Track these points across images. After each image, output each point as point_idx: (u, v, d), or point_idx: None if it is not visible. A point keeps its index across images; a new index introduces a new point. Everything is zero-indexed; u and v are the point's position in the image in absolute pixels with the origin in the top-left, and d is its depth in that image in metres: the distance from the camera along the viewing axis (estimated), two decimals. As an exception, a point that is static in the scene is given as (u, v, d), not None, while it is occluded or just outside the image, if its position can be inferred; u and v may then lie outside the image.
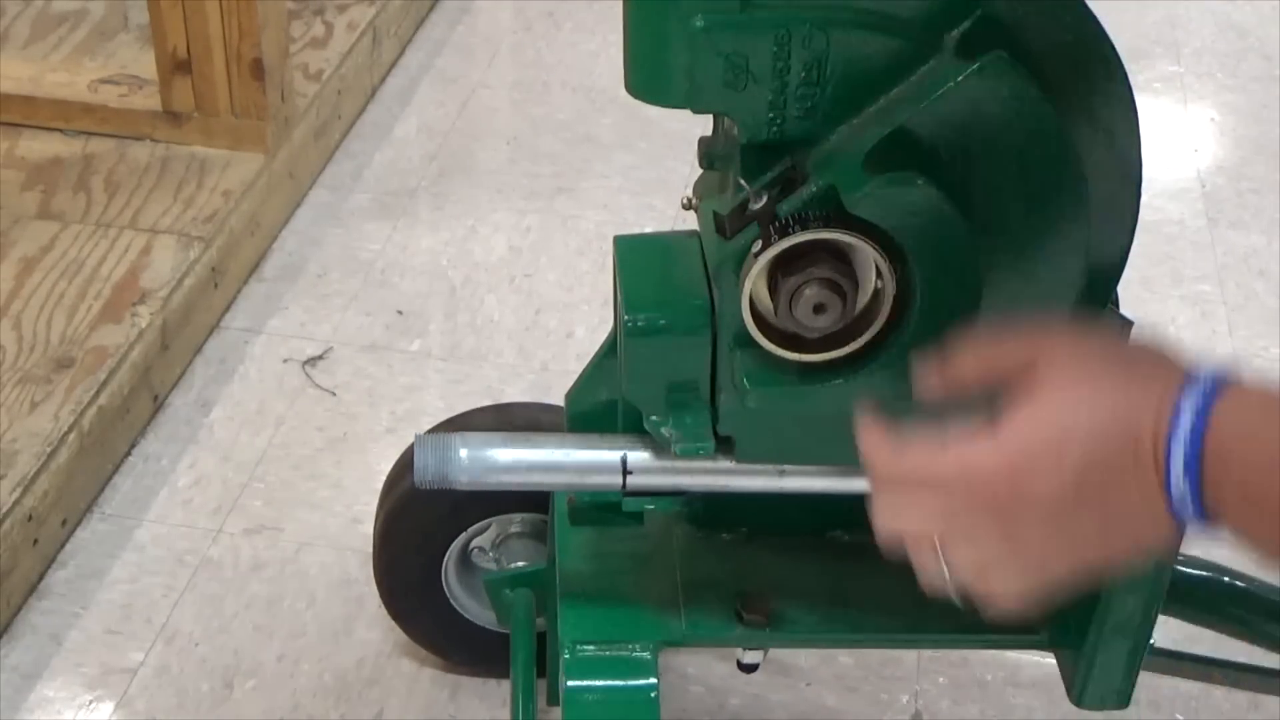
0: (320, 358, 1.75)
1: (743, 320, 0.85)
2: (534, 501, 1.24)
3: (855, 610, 1.05)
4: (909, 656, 1.43)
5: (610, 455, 0.93)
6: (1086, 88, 0.84)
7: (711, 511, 1.05)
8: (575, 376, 1.04)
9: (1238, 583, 1.20)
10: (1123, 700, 1.02)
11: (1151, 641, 1.00)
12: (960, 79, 0.80)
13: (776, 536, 1.07)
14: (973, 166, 0.82)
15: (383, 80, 2.25)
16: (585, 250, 1.94)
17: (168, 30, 1.82)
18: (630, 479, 0.93)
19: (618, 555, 1.06)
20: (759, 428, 0.91)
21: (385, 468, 1.34)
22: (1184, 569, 1.15)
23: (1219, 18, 2.50)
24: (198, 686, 1.39)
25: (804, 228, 0.82)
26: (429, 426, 1.33)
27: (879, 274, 0.83)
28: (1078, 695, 1.02)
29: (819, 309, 0.83)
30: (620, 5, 0.81)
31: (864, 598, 1.05)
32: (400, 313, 1.83)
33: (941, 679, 1.42)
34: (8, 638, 1.42)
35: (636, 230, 0.98)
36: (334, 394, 1.71)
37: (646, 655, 0.98)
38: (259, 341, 1.77)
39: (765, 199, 0.84)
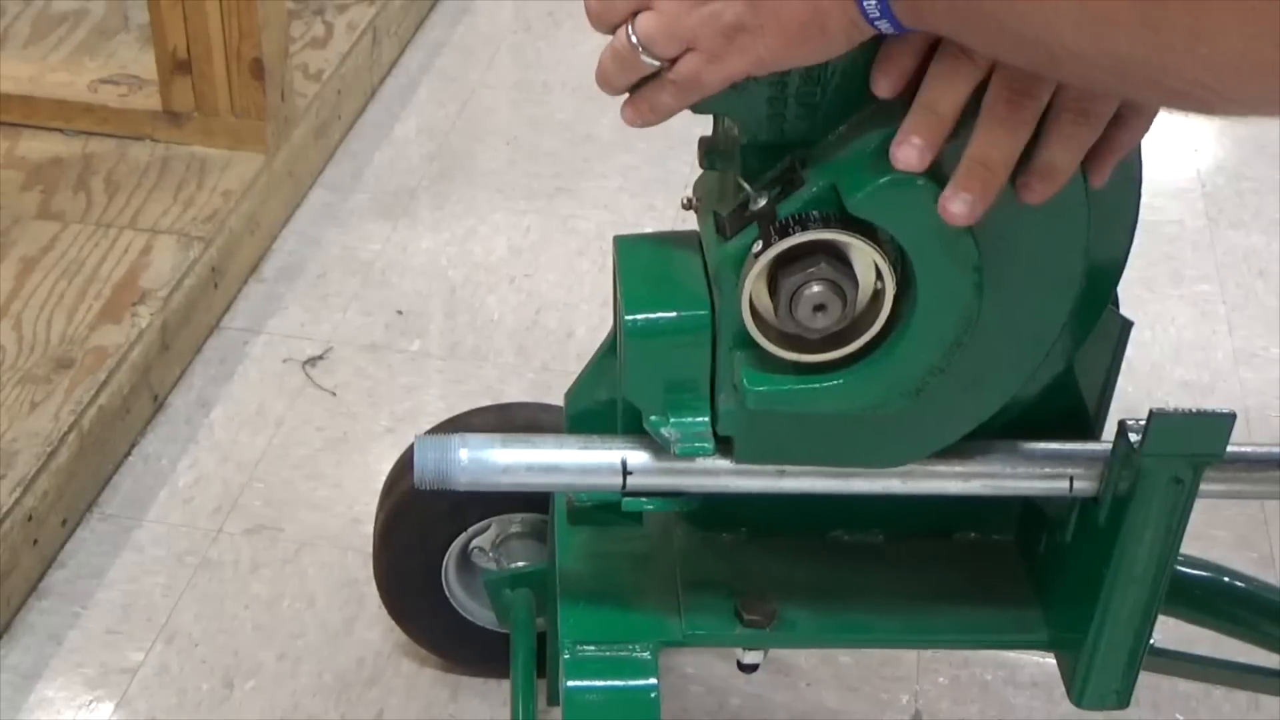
0: (320, 358, 1.75)
1: (742, 320, 0.85)
2: (534, 501, 1.24)
3: (855, 610, 1.05)
4: (909, 656, 1.43)
5: (610, 456, 0.93)
6: (1086, 88, 0.84)
7: (711, 511, 1.05)
8: (575, 376, 1.04)
9: (1238, 583, 1.20)
10: (1123, 700, 1.02)
11: (1151, 641, 1.00)
12: (960, 79, 0.80)
13: (776, 536, 1.07)
14: (973, 166, 0.82)
15: (383, 80, 2.25)
16: (585, 250, 1.94)
17: (168, 30, 1.82)
18: (630, 480, 0.93)
19: (617, 555, 1.06)
20: (759, 428, 0.91)
21: (385, 468, 1.34)
22: (1184, 569, 1.15)
23: (1219, 17, 2.50)
24: (198, 686, 1.39)
25: (804, 228, 0.82)
26: (429, 426, 1.34)
27: (879, 274, 0.83)
28: (1077, 695, 1.02)
29: (819, 309, 0.83)
30: (620, 5, 0.81)
31: (864, 598, 1.05)
32: (400, 313, 1.83)
33: (941, 679, 1.42)
34: (8, 638, 1.42)
35: (636, 230, 0.98)
36: (334, 394, 1.71)
37: (646, 655, 0.98)
38: (259, 341, 1.77)
39: (765, 199, 0.84)
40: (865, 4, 0.73)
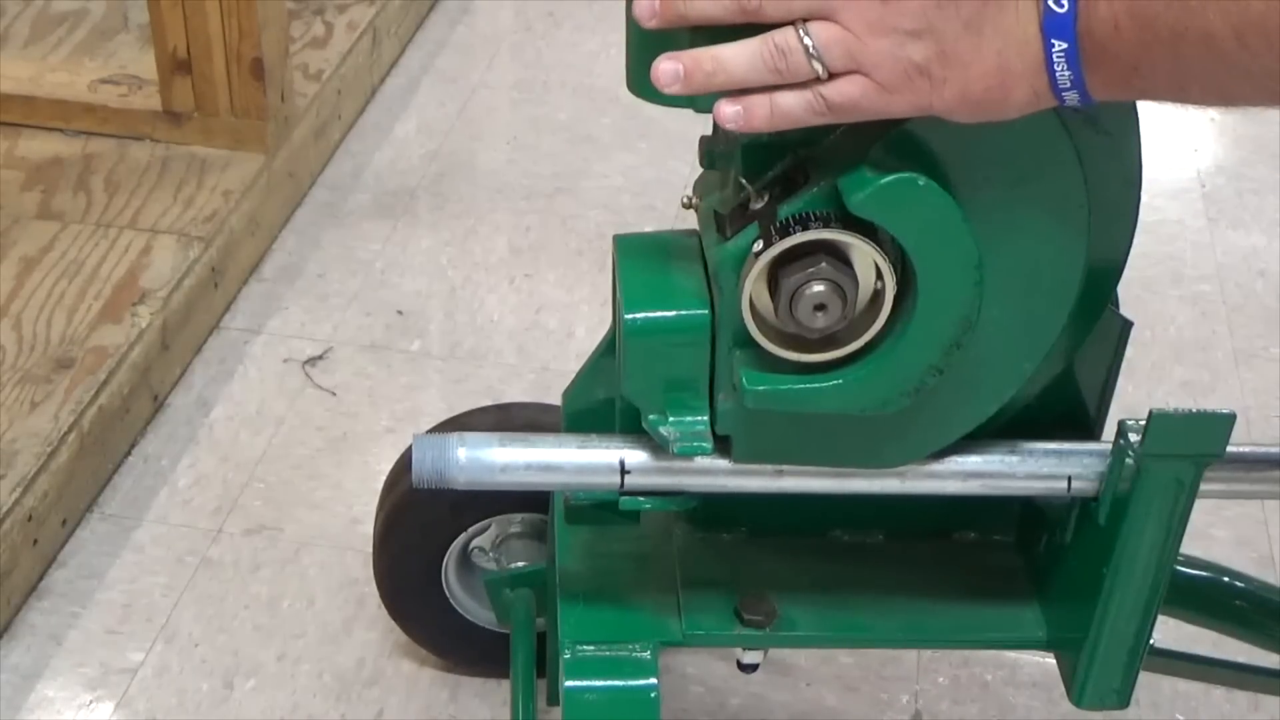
0: (320, 358, 1.75)
1: (742, 320, 0.85)
2: (534, 501, 1.24)
3: (855, 610, 1.05)
4: (909, 656, 1.43)
5: (608, 455, 0.93)
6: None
7: (711, 511, 1.05)
8: (575, 376, 1.04)
9: (1238, 583, 1.20)
10: (1122, 700, 1.02)
11: (1151, 641, 1.00)
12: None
13: (776, 536, 1.07)
14: (974, 167, 0.82)
15: (383, 80, 2.25)
16: (585, 250, 1.94)
17: (168, 30, 1.82)
18: (628, 479, 0.93)
19: (617, 555, 1.06)
20: (757, 428, 0.91)
21: (385, 468, 1.34)
22: (1184, 569, 1.15)
23: (1219, 18, 2.50)
24: (198, 686, 1.39)
25: (804, 228, 0.82)
26: (429, 426, 1.33)
27: (879, 274, 0.83)
28: (1077, 695, 1.02)
29: (819, 309, 0.83)
30: (620, 5, 0.81)
31: (864, 598, 1.05)
32: (400, 313, 1.83)
33: (941, 679, 1.42)
34: (8, 638, 1.42)
35: (636, 230, 0.98)
36: (334, 394, 1.71)
37: (646, 655, 0.98)
38: (259, 341, 1.77)
39: (766, 199, 0.84)
40: (1057, 75, 0.72)
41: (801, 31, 0.75)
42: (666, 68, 0.77)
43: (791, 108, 0.77)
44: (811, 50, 0.75)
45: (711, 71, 0.77)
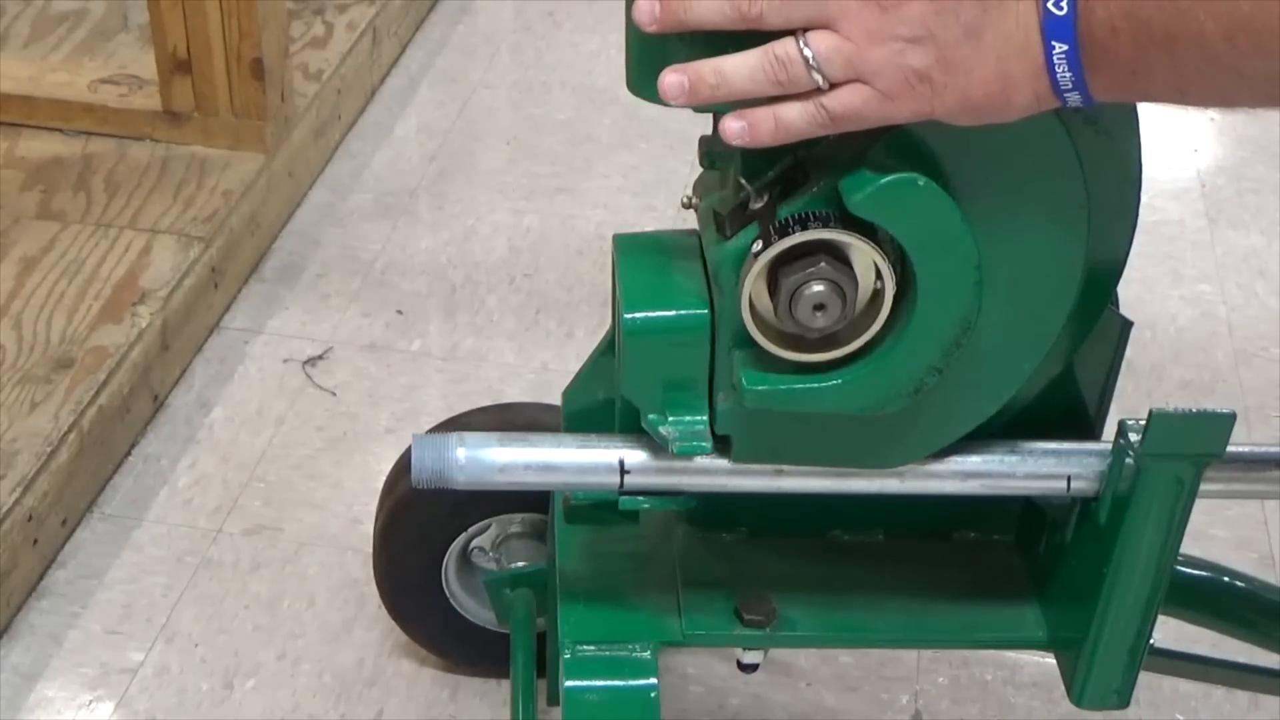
0: (320, 358, 1.75)
1: (742, 320, 0.85)
2: (534, 501, 1.24)
3: (855, 610, 1.05)
4: (909, 656, 1.43)
5: (607, 455, 0.93)
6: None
7: (711, 511, 1.05)
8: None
9: (1238, 583, 1.20)
10: (1123, 700, 1.02)
11: (1151, 641, 1.00)
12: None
13: (776, 536, 1.07)
14: (973, 167, 0.82)
15: (383, 80, 2.25)
16: (585, 250, 1.94)
17: (168, 30, 1.82)
18: (627, 479, 0.93)
19: (618, 555, 1.06)
20: (757, 427, 0.91)
21: (385, 468, 1.34)
22: (1184, 569, 1.15)
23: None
24: (198, 686, 1.39)
25: (804, 228, 0.82)
26: (429, 426, 1.33)
27: (879, 274, 0.83)
28: (1077, 695, 1.02)
29: (819, 308, 0.83)
30: (620, 5, 0.81)
31: (864, 598, 1.05)
32: (400, 313, 1.83)
33: (941, 679, 1.42)
34: (8, 638, 1.42)
35: (636, 230, 0.98)
36: (334, 394, 1.71)
37: (646, 655, 0.98)
38: (259, 341, 1.77)
39: (765, 199, 0.84)
40: (1058, 77, 0.72)
41: (801, 42, 0.75)
42: (671, 80, 0.78)
43: (794, 120, 0.77)
44: (811, 61, 0.75)
45: (715, 84, 0.77)
